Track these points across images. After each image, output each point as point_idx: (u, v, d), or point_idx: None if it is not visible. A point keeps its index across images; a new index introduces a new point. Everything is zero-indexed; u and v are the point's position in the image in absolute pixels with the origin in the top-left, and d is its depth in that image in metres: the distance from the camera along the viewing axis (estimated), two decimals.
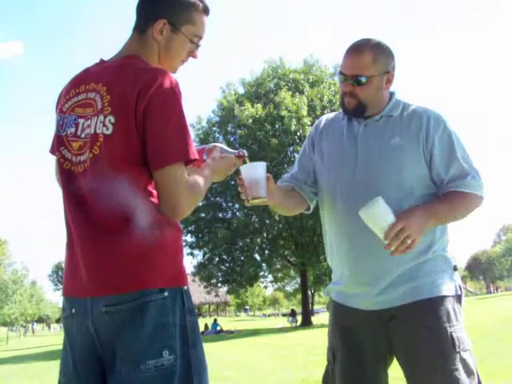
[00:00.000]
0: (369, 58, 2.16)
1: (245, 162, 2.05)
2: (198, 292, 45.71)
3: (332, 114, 2.53)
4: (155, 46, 1.81)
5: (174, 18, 1.80)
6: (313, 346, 12.12)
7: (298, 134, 24.04)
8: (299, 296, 39.31)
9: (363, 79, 2.16)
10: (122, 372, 1.55)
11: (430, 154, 2.16)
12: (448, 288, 2.15)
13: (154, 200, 1.63)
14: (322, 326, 23.10)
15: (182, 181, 1.59)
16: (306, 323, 26.89)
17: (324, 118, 2.53)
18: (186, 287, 1.66)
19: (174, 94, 1.62)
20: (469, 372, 2.03)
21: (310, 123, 23.96)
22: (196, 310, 1.77)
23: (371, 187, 2.15)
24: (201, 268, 27.11)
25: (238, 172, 2.06)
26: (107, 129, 1.60)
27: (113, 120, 1.60)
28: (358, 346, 2.25)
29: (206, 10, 1.87)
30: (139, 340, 1.54)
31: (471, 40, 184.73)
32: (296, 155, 24.35)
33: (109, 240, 1.58)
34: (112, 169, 1.60)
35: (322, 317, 38.65)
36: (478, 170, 2.20)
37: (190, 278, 27.97)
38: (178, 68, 1.90)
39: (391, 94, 2.32)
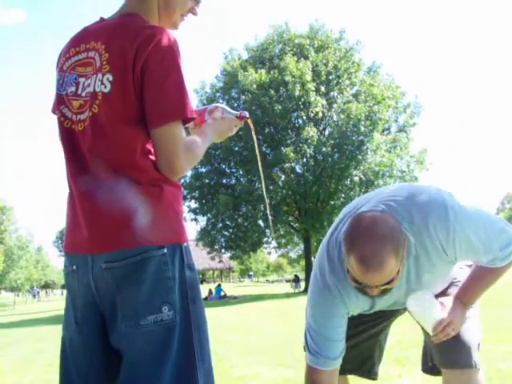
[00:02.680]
0: (392, 264, 1.81)
1: (246, 124, 2.03)
2: (201, 258, 45.99)
3: (335, 279, 2.10)
4: (155, 2, 1.78)
5: None
6: None
7: (303, 99, 23.87)
8: (303, 262, 39.50)
9: (392, 282, 1.88)
10: (122, 327, 1.57)
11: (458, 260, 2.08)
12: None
13: (153, 158, 1.63)
14: None
15: (179, 139, 1.59)
16: None
17: (332, 287, 2.11)
18: (185, 243, 1.67)
19: (172, 51, 1.60)
20: (478, 327, 2.21)
21: (314, 89, 23.78)
22: (200, 276, 1.78)
23: None
24: (204, 234, 27.24)
25: None
26: (105, 87, 1.60)
27: (111, 78, 1.59)
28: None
29: None
30: (139, 296, 1.56)
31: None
32: (300, 121, 24.25)
33: (108, 197, 1.58)
34: (110, 127, 1.59)
35: None
36: (502, 242, 2.00)
37: (193, 244, 28.15)
38: (179, 24, 1.88)
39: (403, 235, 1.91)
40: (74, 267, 1.68)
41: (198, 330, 1.63)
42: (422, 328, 2.24)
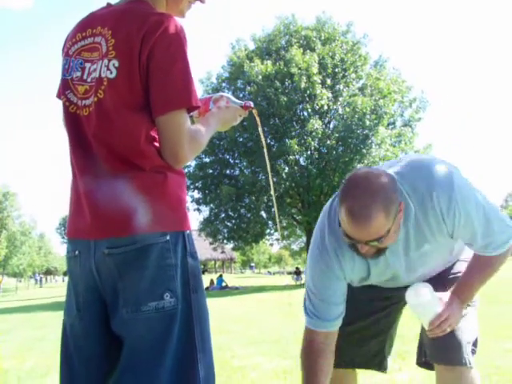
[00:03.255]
0: (381, 220, 1.80)
1: (251, 114, 2.02)
2: (203, 248, 46.04)
3: (334, 239, 2.11)
4: None
5: None
6: None
7: (308, 92, 23.80)
8: (304, 255, 39.61)
9: (381, 240, 1.86)
10: (123, 313, 1.57)
11: (455, 237, 2.07)
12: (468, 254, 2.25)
13: (157, 145, 1.62)
14: None
15: (183, 127, 1.58)
16: None
17: (329, 247, 2.13)
18: (188, 231, 1.67)
19: (179, 39, 1.60)
20: (475, 326, 2.20)
21: (320, 81, 23.70)
22: (201, 266, 1.78)
23: (418, 277, 2.21)
24: (207, 224, 27.26)
25: None
26: (111, 73, 1.59)
27: (117, 64, 1.59)
28: (366, 292, 2.35)
29: None
30: (141, 282, 1.56)
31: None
32: (305, 113, 24.21)
33: (112, 183, 1.58)
34: (115, 112, 1.59)
35: None
36: (500, 229, 2.03)
37: (195, 234, 28.18)
38: (185, 12, 1.87)
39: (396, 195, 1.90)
40: (77, 252, 1.68)
41: (199, 318, 1.63)
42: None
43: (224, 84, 27.22)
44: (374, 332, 2.49)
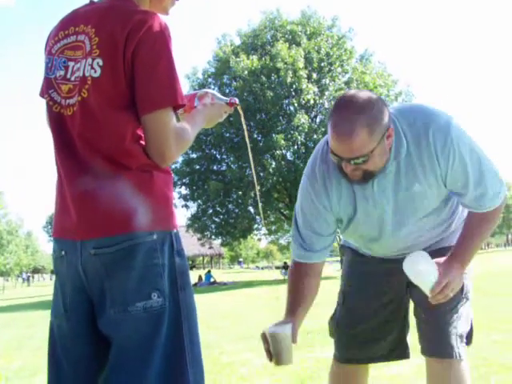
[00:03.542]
0: (364, 136, 1.82)
1: (236, 110, 2.02)
2: (191, 244, 46.07)
3: (329, 162, 2.10)
4: None
5: None
6: None
7: (294, 86, 23.83)
8: None
9: (364, 159, 1.86)
10: (111, 314, 1.56)
11: (447, 185, 2.06)
12: None
13: (143, 143, 1.61)
14: None
15: (169, 126, 1.57)
16: None
17: (324, 170, 2.13)
18: (175, 230, 1.67)
19: (163, 36, 1.59)
20: (467, 318, 2.19)
21: (305, 76, 23.75)
22: (190, 262, 1.78)
23: (407, 225, 2.17)
24: (194, 220, 27.27)
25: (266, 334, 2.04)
26: (95, 71, 1.58)
27: (101, 63, 1.58)
28: (374, 284, 2.38)
29: None
30: (128, 282, 1.56)
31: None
32: (291, 108, 24.24)
33: (97, 182, 1.57)
34: (100, 112, 1.58)
35: None
36: (492, 179, 2.03)
37: (183, 230, 28.15)
38: (169, 9, 1.86)
39: (390, 125, 1.93)
40: (63, 252, 1.67)
41: (187, 317, 1.63)
42: (415, 313, 2.25)
43: (210, 79, 27.20)
44: (388, 327, 2.42)
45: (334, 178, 2.09)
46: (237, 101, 1.97)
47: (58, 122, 1.68)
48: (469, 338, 2.20)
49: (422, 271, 2.03)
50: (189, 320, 1.63)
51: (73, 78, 1.65)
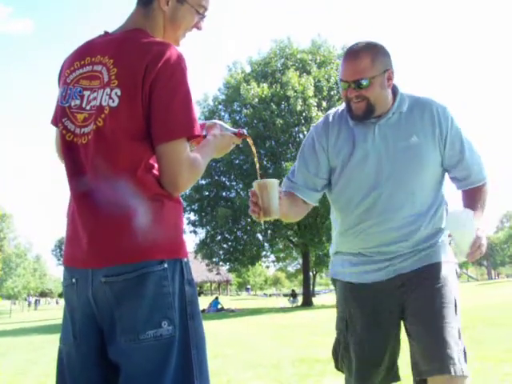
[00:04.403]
0: (367, 61, 2.20)
1: (245, 141, 2.04)
2: (199, 270, 45.91)
3: (339, 111, 2.48)
4: (161, 17, 1.80)
5: None
6: (313, 326, 12.21)
7: (304, 114, 23.95)
8: (301, 277, 39.50)
9: (366, 82, 2.21)
10: (121, 342, 1.57)
11: (444, 152, 2.36)
12: (451, 255, 2.39)
13: (156, 172, 1.63)
14: (323, 306, 23.24)
15: (184, 157, 1.60)
16: (307, 304, 27.00)
17: (331, 116, 2.49)
18: (185, 259, 1.68)
19: (181, 68, 1.62)
20: (459, 335, 2.21)
21: (315, 104, 23.88)
22: (197, 288, 1.79)
23: (401, 186, 2.32)
24: (203, 246, 27.20)
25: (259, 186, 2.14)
26: (113, 101, 1.60)
27: (119, 93, 1.60)
28: (374, 310, 2.38)
29: None
30: (138, 311, 1.56)
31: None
32: (301, 136, 24.31)
33: (109, 211, 1.59)
34: (114, 141, 1.60)
35: (322, 298, 38.85)
36: (479, 155, 2.45)
37: (191, 256, 28.09)
38: (180, 40, 1.89)
39: (395, 89, 2.37)
40: (74, 280, 1.68)
41: (196, 345, 1.63)
42: (409, 336, 2.24)
43: (220, 106, 27.38)
44: (386, 349, 2.41)
45: (336, 125, 2.42)
46: (245, 132, 2.01)
47: (71, 151, 1.70)
48: (465, 352, 2.17)
49: (465, 227, 2.12)
50: (198, 348, 1.63)
51: (88, 107, 1.67)
